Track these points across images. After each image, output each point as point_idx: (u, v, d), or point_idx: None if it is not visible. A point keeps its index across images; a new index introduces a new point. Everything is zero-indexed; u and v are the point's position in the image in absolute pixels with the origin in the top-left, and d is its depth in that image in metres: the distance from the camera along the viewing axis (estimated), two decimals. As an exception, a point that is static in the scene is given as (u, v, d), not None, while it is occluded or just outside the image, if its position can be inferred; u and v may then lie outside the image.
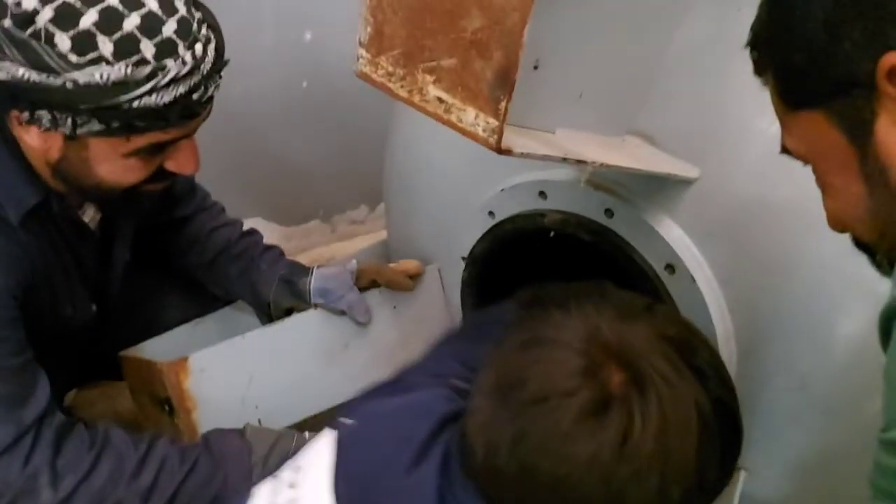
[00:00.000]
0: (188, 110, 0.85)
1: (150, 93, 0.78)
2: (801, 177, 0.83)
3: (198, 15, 0.85)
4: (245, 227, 1.30)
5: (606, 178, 0.96)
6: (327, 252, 1.96)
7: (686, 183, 0.89)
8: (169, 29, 0.80)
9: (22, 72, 0.76)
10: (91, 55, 0.77)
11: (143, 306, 1.28)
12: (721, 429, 0.61)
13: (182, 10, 0.82)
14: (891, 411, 0.52)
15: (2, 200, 0.88)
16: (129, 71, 0.77)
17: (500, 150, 0.61)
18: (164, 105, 0.80)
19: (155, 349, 1.21)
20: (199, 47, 0.83)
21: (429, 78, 0.63)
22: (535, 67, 0.68)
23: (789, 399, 0.90)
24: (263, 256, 1.24)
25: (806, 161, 0.59)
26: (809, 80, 0.53)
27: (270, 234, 1.72)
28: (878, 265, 0.60)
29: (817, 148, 0.56)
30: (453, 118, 0.62)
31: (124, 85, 0.78)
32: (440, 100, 0.62)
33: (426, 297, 1.28)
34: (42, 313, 0.96)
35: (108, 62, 0.77)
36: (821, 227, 0.83)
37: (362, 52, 0.67)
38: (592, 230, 0.98)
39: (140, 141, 0.85)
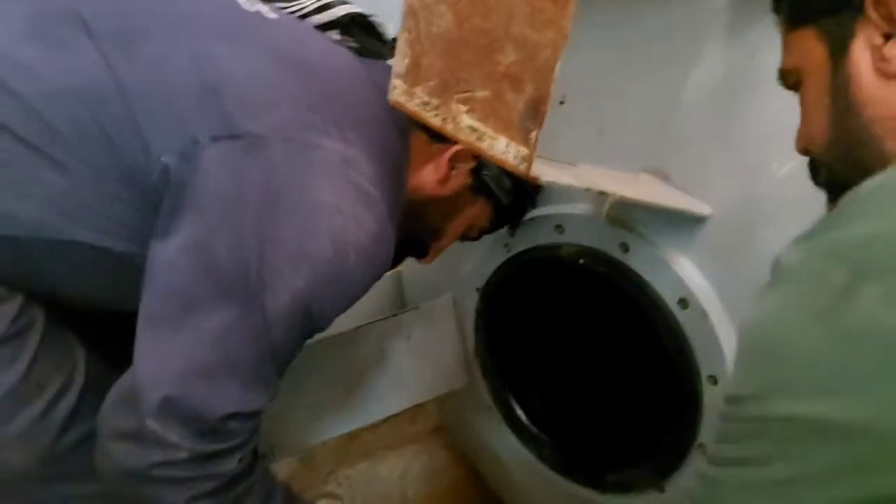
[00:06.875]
0: None
1: None
2: (813, 215, 0.87)
3: None
4: None
5: (622, 214, 0.99)
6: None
7: (699, 220, 0.93)
8: None
9: None
10: None
11: None
12: None
13: None
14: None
15: None
16: None
17: (528, 178, 0.64)
18: None
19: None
20: None
21: (462, 108, 0.66)
22: (562, 102, 0.72)
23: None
24: None
25: (795, 81, 0.64)
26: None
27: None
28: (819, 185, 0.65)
29: (804, 62, 0.62)
30: (485, 146, 0.65)
31: None
32: (472, 128, 0.66)
33: (440, 327, 1.30)
34: None
35: None
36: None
37: (398, 82, 0.70)
38: (607, 263, 1.01)
39: None
